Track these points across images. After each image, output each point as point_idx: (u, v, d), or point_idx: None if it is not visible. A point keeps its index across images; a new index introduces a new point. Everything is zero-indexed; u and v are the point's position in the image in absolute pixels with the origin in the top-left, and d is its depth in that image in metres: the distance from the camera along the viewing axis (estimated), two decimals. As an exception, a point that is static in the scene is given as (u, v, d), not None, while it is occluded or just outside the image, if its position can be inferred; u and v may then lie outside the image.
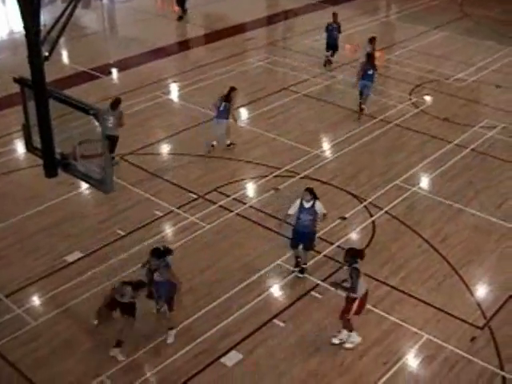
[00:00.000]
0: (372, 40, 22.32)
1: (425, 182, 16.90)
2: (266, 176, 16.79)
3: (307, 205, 12.58)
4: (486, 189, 16.60)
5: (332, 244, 14.15)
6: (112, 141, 15.82)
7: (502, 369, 11.28)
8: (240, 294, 12.67)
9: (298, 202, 12.64)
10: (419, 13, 31.29)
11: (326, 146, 18.60)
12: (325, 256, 13.84)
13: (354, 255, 11.18)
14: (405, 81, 22.88)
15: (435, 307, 12.52)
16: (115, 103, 16.48)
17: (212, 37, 27.19)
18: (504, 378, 11.12)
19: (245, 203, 15.59)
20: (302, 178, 16.72)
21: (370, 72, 19.90)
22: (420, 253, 14.11)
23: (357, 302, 11.23)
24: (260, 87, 22.04)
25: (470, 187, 16.63)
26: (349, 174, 17.04)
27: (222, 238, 14.37)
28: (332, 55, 23.91)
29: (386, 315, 12.38)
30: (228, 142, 17.98)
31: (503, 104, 21.48)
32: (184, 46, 26.65)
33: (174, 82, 22.58)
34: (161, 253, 11.24)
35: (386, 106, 20.87)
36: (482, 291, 13.07)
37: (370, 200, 15.86)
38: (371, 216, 15.19)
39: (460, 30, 28.79)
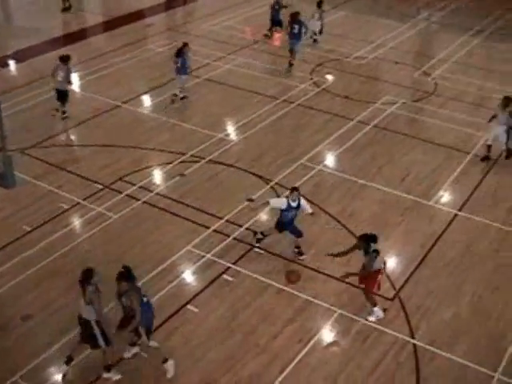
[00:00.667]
0: None
1: (329, 160, 17.20)
2: (171, 162, 16.65)
3: (294, 204, 13.04)
4: (389, 163, 17.07)
5: (241, 226, 14.20)
6: (63, 94, 18.25)
7: (412, 337, 11.68)
8: (152, 282, 12.54)
9: (284, 200, 13.10)
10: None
11: (230, 129, 18.62)
12: (234, 239, 13.88)
13: (367, 240, 11.54)
14: (305, 61, 23.16)
15: (346, 282, 12.79)
16: (65, 58, 18.01)
17: (111, 24, 26.63)
18: (415, 345, 11.51)
19: (151, 191, 15.41)
20: (207, 162, 16.67)
21: (295, 31, 21.72)
22: (327, 230, 14.36)
23: (378, 277, 11.71)
24: (161, 73, 21.79)
25: (374, 163, 17.05)
26: (254, 156, 17.12)
27: (130, 228, 14.17)
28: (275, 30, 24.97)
29: (298, 293, 12.56)
30: (181, 95, 19.67)
31: (402, 80, 22.13)
32: (83, 34, 25.95)
33: (75, 71, 21.99)
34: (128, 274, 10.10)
35: (288, 87, 21.09)
36: (390, 263, 13.38)
37: (276, 180, 15.99)
38: (278, 196, 15.33)
39: (358, 8, 29.41)
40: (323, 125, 18.87)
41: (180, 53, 19.18)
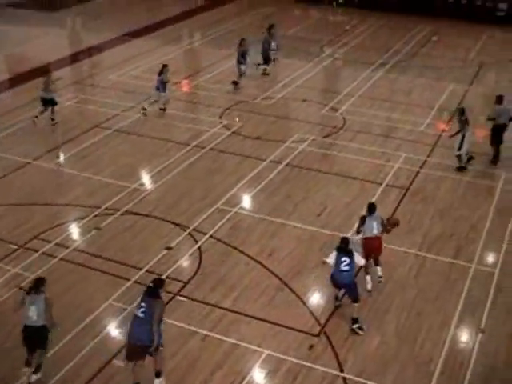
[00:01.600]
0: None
1: (245, 202, 17.46)
2: (87, 216, 16.51)
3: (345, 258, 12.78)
4: (305, 200, 17.47)
5: (161, 276, 14.19)
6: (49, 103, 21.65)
7: (341, 370, 11.88)
8: (75, 340, 12.32)
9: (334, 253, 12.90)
10: (222, 37, 32.37)
11: (144, 178, 18.66)
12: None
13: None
14: (214, 105, 23.56)
15: (271, 322, 12.93)
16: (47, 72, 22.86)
17: (16, 80, 26.32)
18: (344, 378, 11.71)
19: (68, 247, 15.22)
20: (122, 213, 16.63)
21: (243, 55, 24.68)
22: (249, 271, 14.52)
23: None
24: (71, 127, 21.69)
25: (290, 201, 17.42)
26: (170, 204, 17.20)
27: (49, 286, 13.86)
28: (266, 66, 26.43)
29: (224, 338, 12.60)
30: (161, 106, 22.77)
31: (310, 117, 22.79)
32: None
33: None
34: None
35: (198, 132, 21.35)
36: (313, 300, 13.68)
37: (193, 227, 16.10)
38: (196, 242, 15.42)
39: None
40: (236, 167, 19.17)
41: (161, 72, 22.31)
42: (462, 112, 19.03)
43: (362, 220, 13.97)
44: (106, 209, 16.83)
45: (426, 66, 28.58)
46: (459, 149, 18.93)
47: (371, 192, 17.74)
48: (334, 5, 39.72)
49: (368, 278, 14.05)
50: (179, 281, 14.07)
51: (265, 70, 26.62)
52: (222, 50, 29.70)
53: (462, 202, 17.59)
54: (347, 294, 13.20)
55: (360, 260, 13.09)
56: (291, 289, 13.94)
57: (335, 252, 12.90)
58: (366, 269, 14.02)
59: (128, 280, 14.07)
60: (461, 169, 19.19)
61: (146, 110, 22.75)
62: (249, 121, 22.37)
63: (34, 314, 11.17)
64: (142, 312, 10.79)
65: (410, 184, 18.22)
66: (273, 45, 26.62)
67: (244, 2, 40.58)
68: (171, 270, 14.45)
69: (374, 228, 13.83)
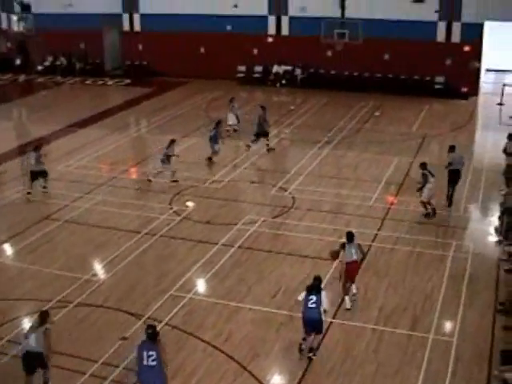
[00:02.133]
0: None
1: (199, 287, 17.55)
2: (38, 311, 16.27)
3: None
4: (259, 282, 17.63)
5: (117, 367, 14.05)
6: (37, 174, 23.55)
7: None
8: None
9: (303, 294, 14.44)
10: (168, 123, 33.02)
11: (96, 268, 18.62)
12: (112, 381, 13.66)
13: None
14: (163, 191, 23.86)
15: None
16: (38, 147, 23.99)
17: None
18: None
19: (20, 343, 14.93)
20: (75, 305, 16.51)
21: (212, 133, 26.64)
22: (206, 357, 14.49)
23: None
24: (20, 220, 21.62)
25: (243, 283, 17.56)
26: (123, 293, 17.15)
27: (-2, 388, 13.63)
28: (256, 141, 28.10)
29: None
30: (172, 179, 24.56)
31: (260, 198, 23.24)
32: None
33: None
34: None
35: (148, 220, 21.51)
36: (273, 382, 13.68)
37: (148, 315, 16.05)
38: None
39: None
40: (188, 253, 19.31)
41: (168, 146, 24.49)
42: (423, 166, 21.18)
43: (343, 246, 16.43)
44: (59, 301, 16.68)
45: (371, 141, 29.60)
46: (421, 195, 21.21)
47: (325, 269, 17.97)
48: (278, 85, 41.13)
49: (347, 298, 16.39)
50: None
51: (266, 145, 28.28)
52: (168, 136, 30.12)
53: (414, 273, 18.01)
54: (313, 330, 14.39)
55: (326, 302, 14.41)
56: (250, 372, 13.93)
57: (305, 292, 14.40)
58: (344, 290, 16.44)
59: (84, 374, 13.86)
60: (427, 215, 21.31)
61: (151, 181, 24.66)
62: (199, 205, 22.68)
63: (33, 341, 12.87)
64: (153, 360, 11.81)
65: (363, 258, 18.59)
66: (230, 117, 30.11)
67: (188, 87, 41.64)
68: (128, 360, 14.31)
69: (353, 254, 16.33)
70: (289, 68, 41.37)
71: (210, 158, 26.74)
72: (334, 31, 38.01)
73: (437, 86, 38.74)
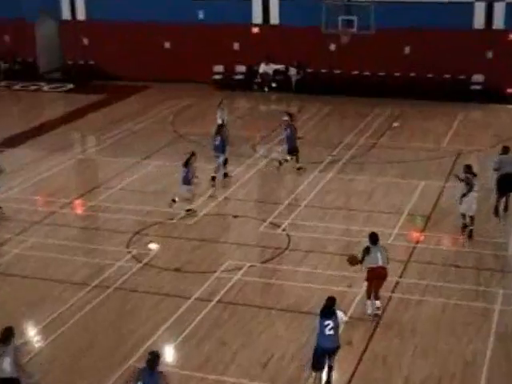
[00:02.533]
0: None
1: (168, 354, 17.51)
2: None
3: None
4: (245, 347, 17.63)
5: None
6: None
7: None
8: None
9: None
10: (124, 141, 33.21)
11: (30, 333, 18.53)
12: None
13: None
14: (119, 230, 23.94)
15: None
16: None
17: None
18: None
19: None
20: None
21: (217, 143, 27.67)
22: None
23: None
24: None
25: (225, 349, 17.57)
26: (66, 366, 17.07)
27: None
28: (292, 158, 28.97)
29: None
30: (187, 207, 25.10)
31: (245, 238, 23.37)
32: None
33: None
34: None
35: (100, 267, 21.52)
36: None
37: (101, 394, 16.03)
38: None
39: (176, 156, 30.93)
40: (153, 310, 19.33)
41: (186, 163, 25.19)
42: (468, 169, 22.94)
43: (367, 250, 18.42)
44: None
45: (388, 161, 29.87)
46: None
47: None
48: (266, 90, 41.49)
49: (368, 302, 18.62)
50: None
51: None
52: (125, 159, 30.37)
53: (449, 333, 18.08)
54: (331, 357, 15.82)
55: (342, 316, 15.90)
56: None
57: (318, 318, 15.60)
58: (368, 294, 18.64)
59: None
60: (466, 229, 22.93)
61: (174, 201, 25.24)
62: (166, 247, 22.74)
63: (7, 365, 14.00)
64: None
65: (382, 314, 18.68)
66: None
67: (149, 94, 41.96)
68: None
69: (378, 258, 18.26)
70: (280, 67, 41.90)
71: (213, 178, 27.66)
72: (339, 18, 38.56)
73: (474, 87, 39.31)
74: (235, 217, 24.93)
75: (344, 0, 38.94)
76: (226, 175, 28.43)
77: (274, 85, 41.66)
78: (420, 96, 38.68)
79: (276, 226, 24.14)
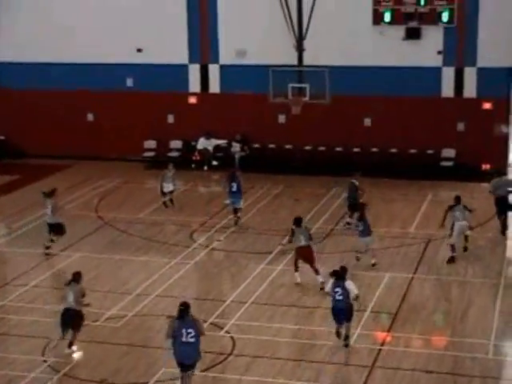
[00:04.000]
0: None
1: None
2: None
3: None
4: None
5: None
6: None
7: None
8: None
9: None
10: (39, 230, 32.79)
11: None
12: None
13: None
14: (33, 335, 23.67)
15: None
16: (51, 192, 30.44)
17: None
18: None
19: None
20: None
21: (234, 189, 32.98)
22: None
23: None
24: None
25: None
26: None
27: None
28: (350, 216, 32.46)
29: None
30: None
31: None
32: None
33: None
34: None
35: (10, 380, 21.11)
36: None
37: None
38: None
39: (101, 245, 30.93)
40: None
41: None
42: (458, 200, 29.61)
43: (292, 232, 26.74)
44: None
45: (348, 250, 29.98)
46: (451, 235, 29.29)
47: None
48: (206, 169, 41.73)
49: (296, 274, 26.93)
50: None
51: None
52: (40, 250, 30.18)
53: None
54: (344, 319, 22.33)
55: (353, 289, 22.32)
56: None
57: (331, 280, 22.62)
58: (295, 267, 26.94)
59: None
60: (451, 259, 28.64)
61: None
62: (89, 354, 22.54)
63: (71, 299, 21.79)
64: (192, 337, 19.15)
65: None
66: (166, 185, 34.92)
67: (70, 174, 41.92)
68: None
69: (301, 239, 26.43)
70: (222, 142, 42.36)
71: (236, 222, 33.15)
72: (289, 86, 39.22)
73: (444, 164, 40.07)
74: (169, 317, 24.73)
75: (294, 65, 39.72)
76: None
77: (214, 162, 42.00)
78: (383, 174, 39.24)
79: (218, 327, 24.09)
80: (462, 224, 28.99)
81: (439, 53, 39.67)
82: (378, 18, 39.84)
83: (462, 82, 39.86)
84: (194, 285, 28.15)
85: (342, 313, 22.14)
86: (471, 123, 39.54)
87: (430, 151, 40.13)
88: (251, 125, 41.47)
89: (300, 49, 40.31)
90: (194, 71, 42.85)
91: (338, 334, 22.38)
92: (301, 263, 26.80)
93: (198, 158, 42.31)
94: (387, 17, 39.61)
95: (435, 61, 39.78)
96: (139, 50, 42.49)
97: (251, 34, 40.92)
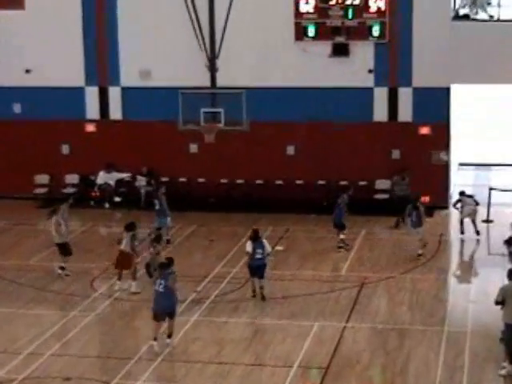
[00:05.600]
0: None
1: None
2: None
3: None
4: None
5: None
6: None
7: None
8: None
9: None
10: None
11: None
12: None
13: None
14: None
15: None
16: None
17: None
18: None
19: None
20: None
21: (157, 207, 36.46)
22: None
23: None
24: None
25: None
26: None
27: None
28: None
29: None
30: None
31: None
32: None
33: None
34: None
35: None
36: None
37: None
38: None
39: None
40: None
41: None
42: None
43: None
44: None
45: (273, 297, 30.23)
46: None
47: None
48: (107, 206, 41.52)
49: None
50: None
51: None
52: None
53: None
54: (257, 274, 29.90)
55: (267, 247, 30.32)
56: None
57: (250, 241, 29.91)
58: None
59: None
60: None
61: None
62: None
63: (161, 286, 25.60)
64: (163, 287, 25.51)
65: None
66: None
67: None
68: None
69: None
70: (125, 176, 42.22)
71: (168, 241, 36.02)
72: (201, 111, 39.27)
73: (378, 196, 40.34)
74: (67, 379, 24.50)
75: (206, 87, 39.81)
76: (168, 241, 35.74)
77: (117, 199, 41.83)
78: (310, 209, 39.51)
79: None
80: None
81: (370, 71, 40.12)
82: (300, 33, 40.19)
83: (396, 105, 40.34)
84: (96, 341, 27.81)
85: (259, 269, 29.89)
86: (407, 150, 39.95)
87: (362, 182, 40.41)
88: (159, 156, 41.41)
89: (213, 69, 40.44)
90: (92, 95, 42.72)
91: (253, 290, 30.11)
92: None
93: (98, 194, 42.06)
94: (311, 31, 39.95)
95: (366, 80, 40.19)
96: (27, 71, 42.16)
97: (157, 52, 41.04)
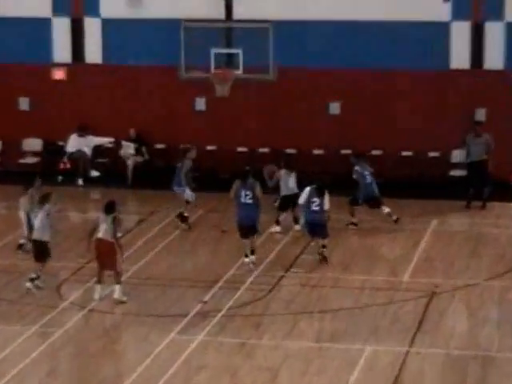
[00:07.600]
0: None
1: None
2: None
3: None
4: None
5: None
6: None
7: None
8: None
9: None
10: None
11: None
12: None
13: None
14: None
15: None
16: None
17: None
18: None
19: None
20: None
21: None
22: None
23: None
24: None
25: None
26: None
27: None
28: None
29: None
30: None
31: None
32: None
33: None
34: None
35: None
36: None
37: None
38: None
39: None
40: None
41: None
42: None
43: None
44: None
45: (305, 311, 30.34)
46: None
47: None
48: (81, 183, 41.86)
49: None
50: None
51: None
52: None
53: None
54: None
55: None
56: None
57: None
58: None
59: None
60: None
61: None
62: None
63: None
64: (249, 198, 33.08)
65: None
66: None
67: None
68: None
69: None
70: (107, 141, 42.23)
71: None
72: (212, 52, 39.17)
73: (455, 173, 40.32)
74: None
75: (220, 20, 39.77)
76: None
77: (94, 173, 41.84)
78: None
79: None
80: None
81: (446, 0, 39.98)
82: None
83: (481, 46, 40.39)
84: (64, 366, 27.95)
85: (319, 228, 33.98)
86: (496, 109, 40.18)
87: (433, 153, 40.54)
88: (152, 115, 41.47)
89: (228, -2, 40.45)
90: (61, 29, 42.68)
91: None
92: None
93: (68, 166, 42.05)
94: None
95: (440, 12, 40.11)
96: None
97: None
